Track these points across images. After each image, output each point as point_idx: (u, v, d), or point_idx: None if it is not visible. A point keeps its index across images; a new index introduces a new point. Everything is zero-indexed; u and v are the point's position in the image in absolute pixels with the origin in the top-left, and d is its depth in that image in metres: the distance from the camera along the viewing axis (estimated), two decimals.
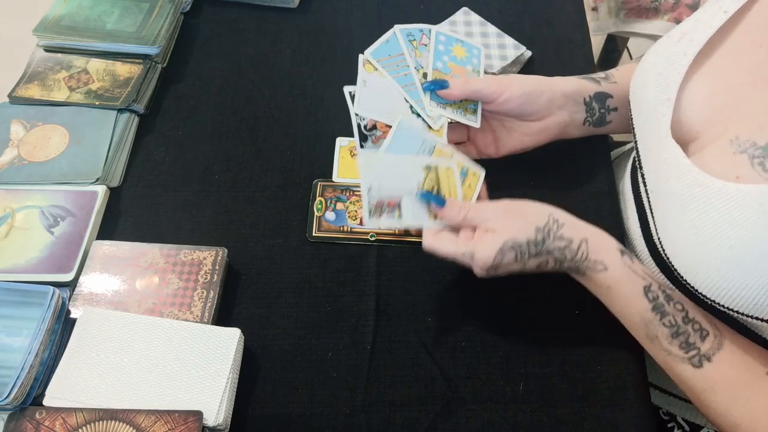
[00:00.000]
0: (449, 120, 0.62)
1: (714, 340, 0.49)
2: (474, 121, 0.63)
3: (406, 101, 0.61)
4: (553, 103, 0.62)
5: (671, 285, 0.53)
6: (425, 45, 0.65)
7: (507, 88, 0.60)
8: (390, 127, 0.59)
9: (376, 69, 0.62)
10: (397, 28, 0.65)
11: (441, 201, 0.55)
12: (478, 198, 0.59)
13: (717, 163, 0.47)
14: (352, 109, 0.59)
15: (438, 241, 0.54)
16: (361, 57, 0.61)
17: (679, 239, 0.49)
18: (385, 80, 0.61)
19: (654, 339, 0.50)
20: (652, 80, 0.54)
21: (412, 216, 0.55)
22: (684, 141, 0.52)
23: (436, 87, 0.60)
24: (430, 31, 0.66)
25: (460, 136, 0.66)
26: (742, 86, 0.49)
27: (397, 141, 0.54)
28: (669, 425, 0.65)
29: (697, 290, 0.48)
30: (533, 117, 0.62)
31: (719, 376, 0.48)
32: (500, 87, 0.60)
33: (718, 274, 0.45)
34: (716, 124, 0.50)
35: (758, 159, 0.45)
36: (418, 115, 0.61)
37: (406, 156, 0.54)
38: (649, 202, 0.56)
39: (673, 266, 0.50)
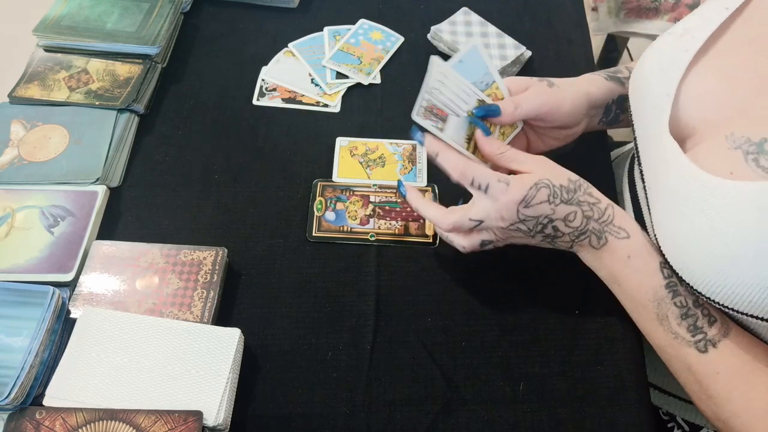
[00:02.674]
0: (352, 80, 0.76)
1: (721, 327, 0.49)
2: (365, 79, 0.76)
3: (309, 75, 0.77)
4: (588, 113, 0.64)
5: None
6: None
7: (558, 107, 0.60)
8: (289, 90, 0.75)
9: (294, 55, 0.78)
10: (326, 29, 0.80)
11: (487, 129, 0.56)
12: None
13: (712, 159, 0.47)
14: (261, 75, 0.77)
15: (471, 172, 0.54)
16: (283, 50, 0.79)
17: (675, 235, 0.49)
18: (297, 61, 0.78)
19: (663, 320, 0.50)
20: (655, 76, 0.54)
21: (453, 134, 0.56)
22: (682, 137, 0.52)
23: (484, 114, 0.57)
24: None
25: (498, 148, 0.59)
26: (738, 82, 0.50)
27: (465, 61, 0.56)
28: (669, 425, 0.65)
29: (692, 287, 0.48)
30: (570, 127, 0.63)
31: (723, 364, 0.48)
32: (552, 107, 0.60)
33: (713, 270, 0.46)
34: (713, 121, 0.50)
35: (752, 155, 0.45)
36: (317, 85, 0.76)
37: (469, 82, 0.56)
38: (646, 198, 0.56)
39: (669, 263, 0.50)
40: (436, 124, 0.55)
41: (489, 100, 0.58)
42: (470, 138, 0.57)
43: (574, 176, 0.54)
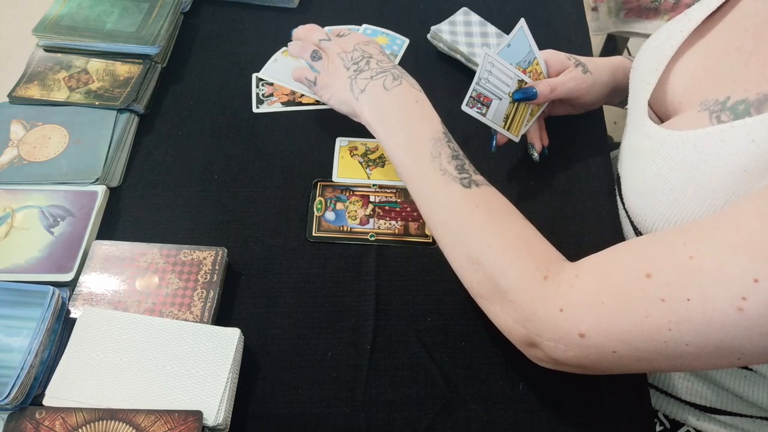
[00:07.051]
0: None
1: (484, 179, 0.54)
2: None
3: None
4: (609, 97, 0.70)
5: None
6: None
7: (587, 93, 0.67)
8: (288, 90, 0.75)
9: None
10: (326, 29, 0.76)
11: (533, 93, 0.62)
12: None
13: (681, 123, 0.51)
14: (259, 75, 0.77)
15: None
16: (282, 49, 0.80)
17: (630, 188, 0.54)
18: (296, 61, 0.76)
19: (436, 157, 0.54)
20: (650, 54, 0.59)
21: (493, 116, 0.62)
22: (669, 112, 0.56)
23: (522, 97, 0.63)
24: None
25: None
26: (722, 59, 0.52)
27: (514, 42, 0.61)
28: (668, 426, 0.65)
29: None
30: (589, 106, 0.70)
31: (483, 198, 0.52)
32: (582, 92, 0.66)
33: (661, 218, 0.49)
34: (693, 92, 0.53)
35: (716, 113, 0.48)
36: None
37: (513, 65, 0.61)
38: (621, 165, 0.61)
39: (631, 220, 0.54)
40: (480, 111, 0.61)
41: (529, 79, 0.63)
42: (507, 116, 0.63)
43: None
